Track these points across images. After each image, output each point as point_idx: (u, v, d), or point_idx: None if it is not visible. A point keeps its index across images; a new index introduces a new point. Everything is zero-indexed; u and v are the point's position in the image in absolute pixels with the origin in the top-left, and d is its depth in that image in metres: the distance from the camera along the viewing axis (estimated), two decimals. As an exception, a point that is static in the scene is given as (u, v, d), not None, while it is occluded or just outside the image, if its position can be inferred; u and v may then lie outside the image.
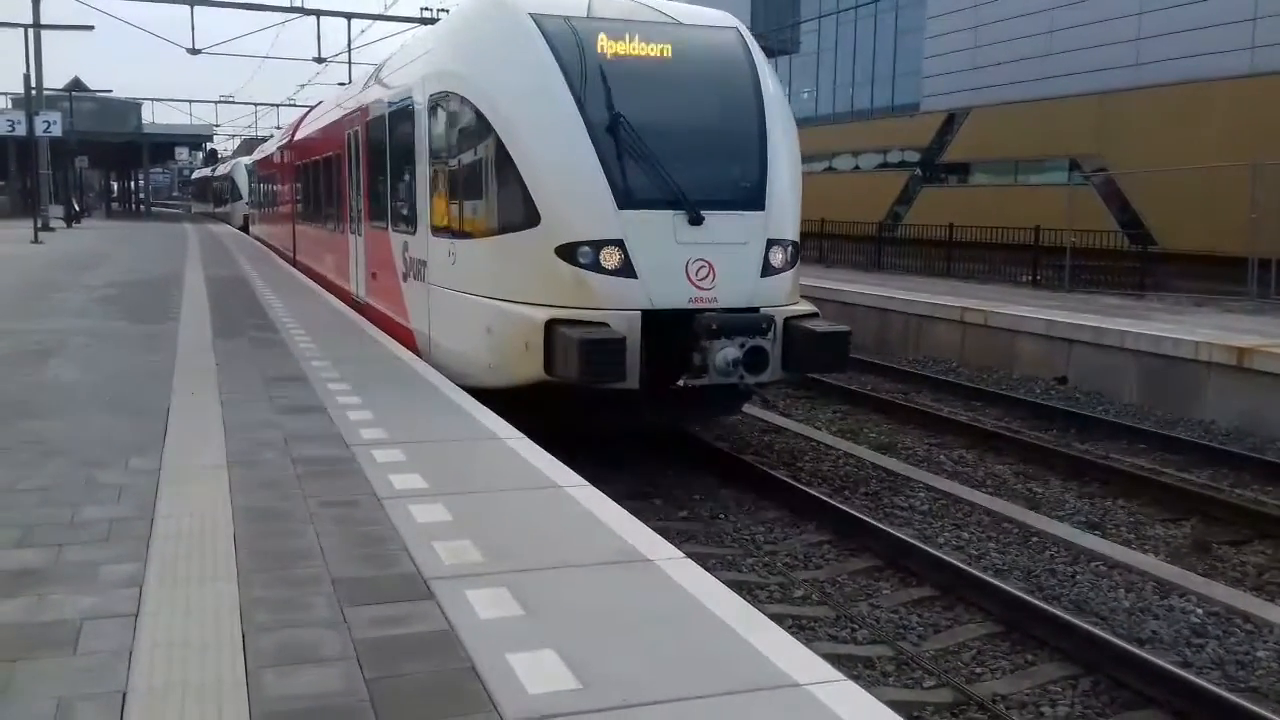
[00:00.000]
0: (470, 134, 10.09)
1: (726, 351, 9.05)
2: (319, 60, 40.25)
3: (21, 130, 37.05)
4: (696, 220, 9.31)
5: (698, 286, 9.31)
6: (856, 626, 7.22)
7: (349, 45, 39.74)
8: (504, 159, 9.50)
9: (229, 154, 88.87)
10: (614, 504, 5.60)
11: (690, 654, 3.78)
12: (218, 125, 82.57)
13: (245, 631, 3.93)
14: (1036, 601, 7.21)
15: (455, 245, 10.36)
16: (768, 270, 9.68)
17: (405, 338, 11.84)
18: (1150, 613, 7.46)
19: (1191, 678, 6.10)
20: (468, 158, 10.21)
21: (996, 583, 7.51)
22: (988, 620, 7.25)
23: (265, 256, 26.45)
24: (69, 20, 43.10)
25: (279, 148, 27.82)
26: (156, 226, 48.46)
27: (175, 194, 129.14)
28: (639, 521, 5.31)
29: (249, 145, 64.33)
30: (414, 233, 11.50)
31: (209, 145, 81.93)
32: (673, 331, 9.21)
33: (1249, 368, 13.13)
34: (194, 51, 36.67)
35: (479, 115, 9.83)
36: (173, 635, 3.90)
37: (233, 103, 75.13)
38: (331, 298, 16.43)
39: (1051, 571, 8.25)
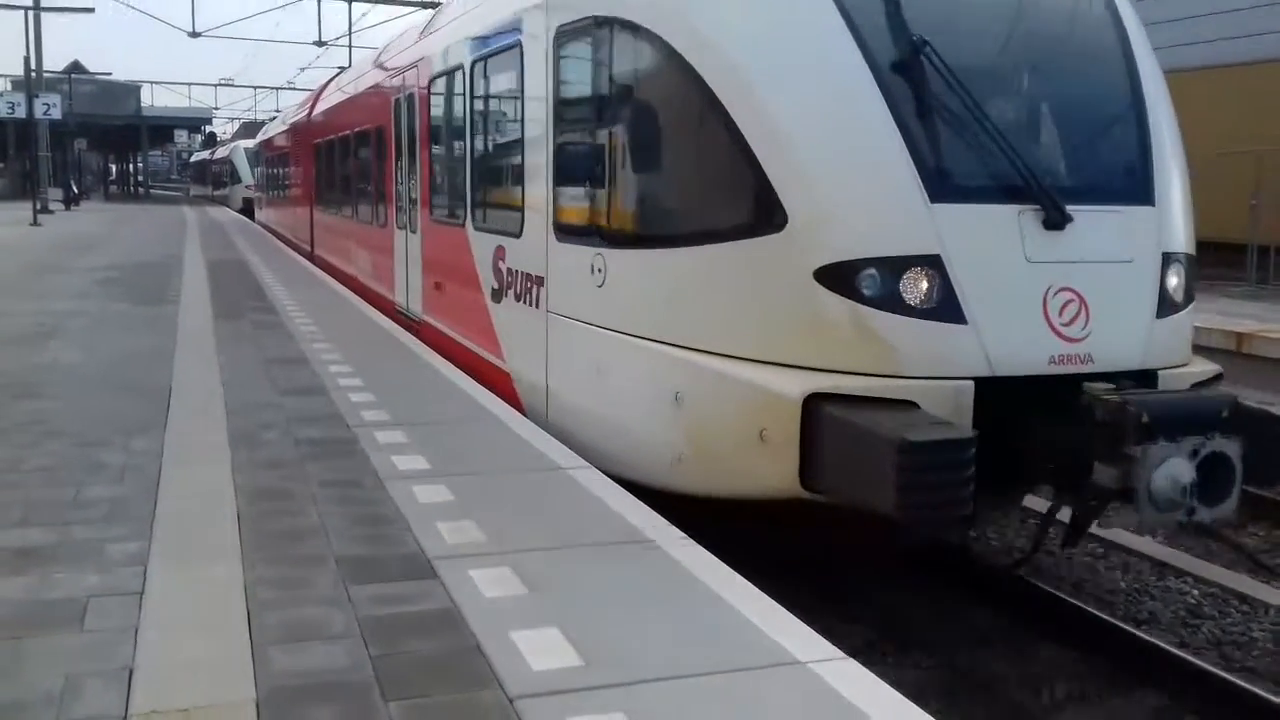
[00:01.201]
0: (646, 82, 6.71)
1: (1172, 467, 5.26)
2: (319, 44, 40.17)
3: (21, 112, 37.03)
4: (1057, 222, 5.80)
5: (1063, 336, 5.75)
6: None
7: (349, 29, 39.64)
8: (714, 119, 6.05)
9: (228, 137, 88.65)
10: (616, 485, 5.62)
11: (693, 632, 3.80)
12: (217, 108, 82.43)
13: (250, 609, 3.95)
14: None
15: (607, 257, 6.84)
16: (1165, 306, 6.13)
17: (493, 378, 8.73)
18: None
19: None
20: (637, 119, 6.77)
21: None
22: None
23: (273, 247, 25.28)
24: (69, 2, 42.98)
25: (293, 123, 24.59)
26: (155, 210, 48.40)
27: (174, 177, 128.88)
28: (642, 503, 5.33)
29: (249, 128, 64.20)
30: (518, 234, 8.19)
31: (208, 128, 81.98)
32: (1017, 414, 5.68)
33: (1248, 353, 13.18)
34: (194, 34, 36.59)
35: (665, 51, 6.38)
36: (178, 613, 3.92)
37: (232, 86, 75.09)
38: (360, 302, 13.83)
39: None
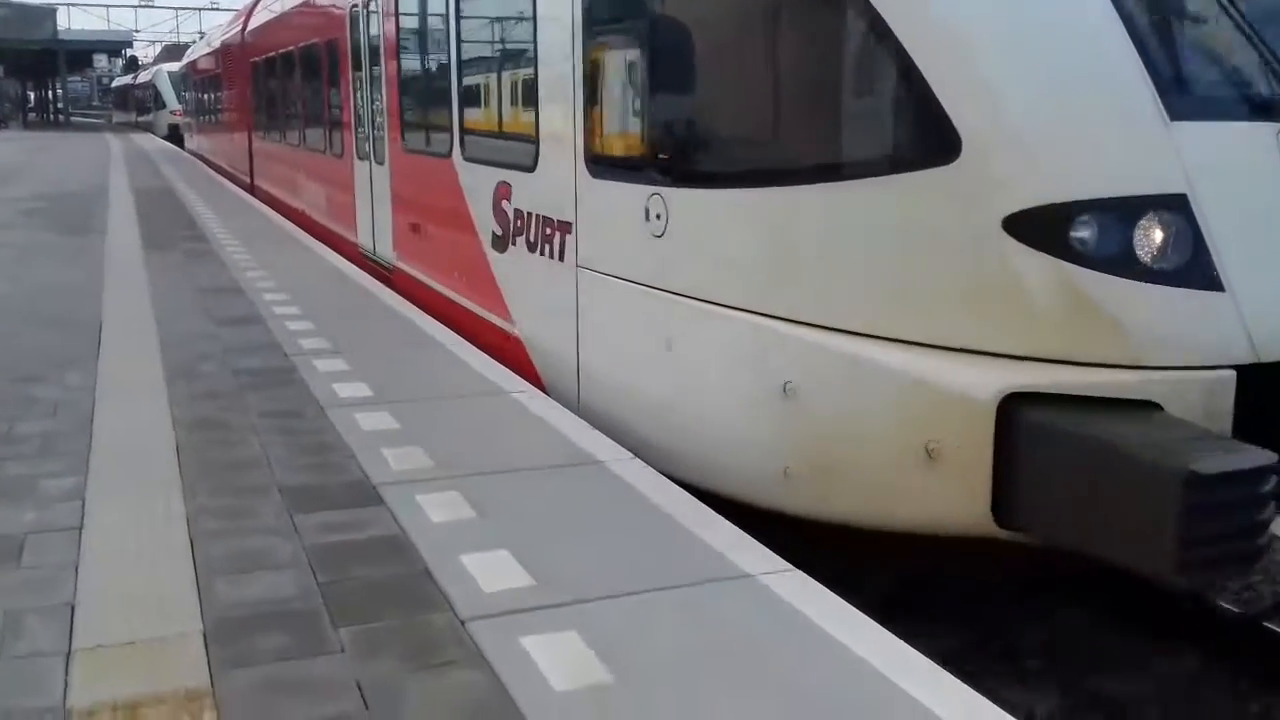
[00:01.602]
0: None
1: None
2: (242, -39, 38.71)
3: (-72, 38, 35.39)
4: None
5: None
6: None
7: (272, -55, 38.27)
8: (847, 2, 4.39)
9: (150, 61, 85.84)
10: (562, 408, 5.60)
11: (643, 550, 3.82)
12: (138, 31, 79.66)
13: (193, 540, 3.89)
14: None
15: (669, 198, 5.17)
16: None
17: (494, 341, 7.22)
18: None
19: None
20: (716, 13, 5.05)
21: None
22: None
23: (204, 175, 24.60)
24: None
25: (225, 40, 22.43)
26: (77, 137, 46.84)
27: (95, 104, 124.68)
28: (587, 425, 5.32)
29: (172, 51, 62.10)
30: (531, 167, 6.56)
31: (128, 52, 79.06)
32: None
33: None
34: (108, -48, 35.06)
35: None
36: (119, 547, 3.85)
37: (153, 7, 72.36)
38: (310, 240, 12.43)
39: None
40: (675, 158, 5.17)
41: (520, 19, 6.72)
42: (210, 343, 7.01)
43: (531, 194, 6.64)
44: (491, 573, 3.61)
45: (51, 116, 77.97)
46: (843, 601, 3.44)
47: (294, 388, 5.96)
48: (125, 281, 9.38)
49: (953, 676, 3.00)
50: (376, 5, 9.93)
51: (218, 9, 62.91)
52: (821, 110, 4.57)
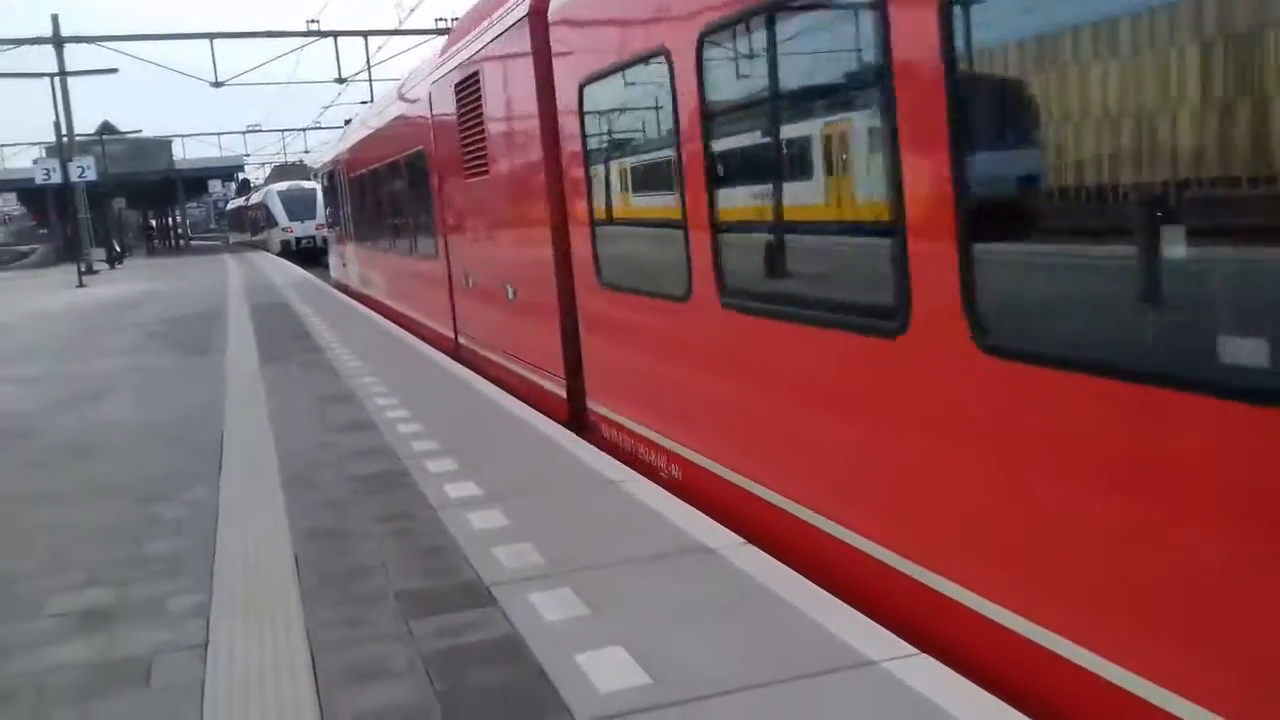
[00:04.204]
0: None
1: None
2: (340, 80, 40.56)
3: (58, 178, 37.76)
4: None
5: None
6: None
7: (368, 63, 40.01)
8: None
9: (261, 182, 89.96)
10: (671, 496, 5.55)
11: (760, 640, 3.72)
12: (247, 155, 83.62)
13: (314, 653, 3.92)
14: None
15: None
16: None
17: None
18: None
19: None
20: None
21: None
22: None
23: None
24: (93, 65, 43.81)
25: (401, 115, 13.99)
26: (197, 260, 49.13)
27: (213, 226, 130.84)
28: (695, 510, 5.25)
29: (282, 171, 64.93)
30: None
31: (240, 175, 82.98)
32: None
33: None
34: (217, 84, 37.12)
35: None
36: (243, 664, 3.90)
37: (260, 131, 75.92)
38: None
39: None
40: None
41: None
42: (325, 451, 7.18)
43: None
44: (607, 671, 3.55)
45: (173, 242, 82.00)
46: (975, 687, 3.29)
47: (406, 490, 6.04)
48: (244, 397, 9.69)
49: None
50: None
51: (320, 127, 65.74)
52: None
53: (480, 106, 9.52)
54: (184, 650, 4.07)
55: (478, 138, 9.76)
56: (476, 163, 9.92)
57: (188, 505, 6.16)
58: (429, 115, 11.90)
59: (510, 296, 9.25)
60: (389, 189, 15.76)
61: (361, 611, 4.29)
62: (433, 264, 12.77)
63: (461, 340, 11.79)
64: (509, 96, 8.66)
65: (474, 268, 10.69)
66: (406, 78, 14.47)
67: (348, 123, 27.90)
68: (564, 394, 8.04)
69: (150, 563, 5.17)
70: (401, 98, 14.10)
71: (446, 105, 10.92)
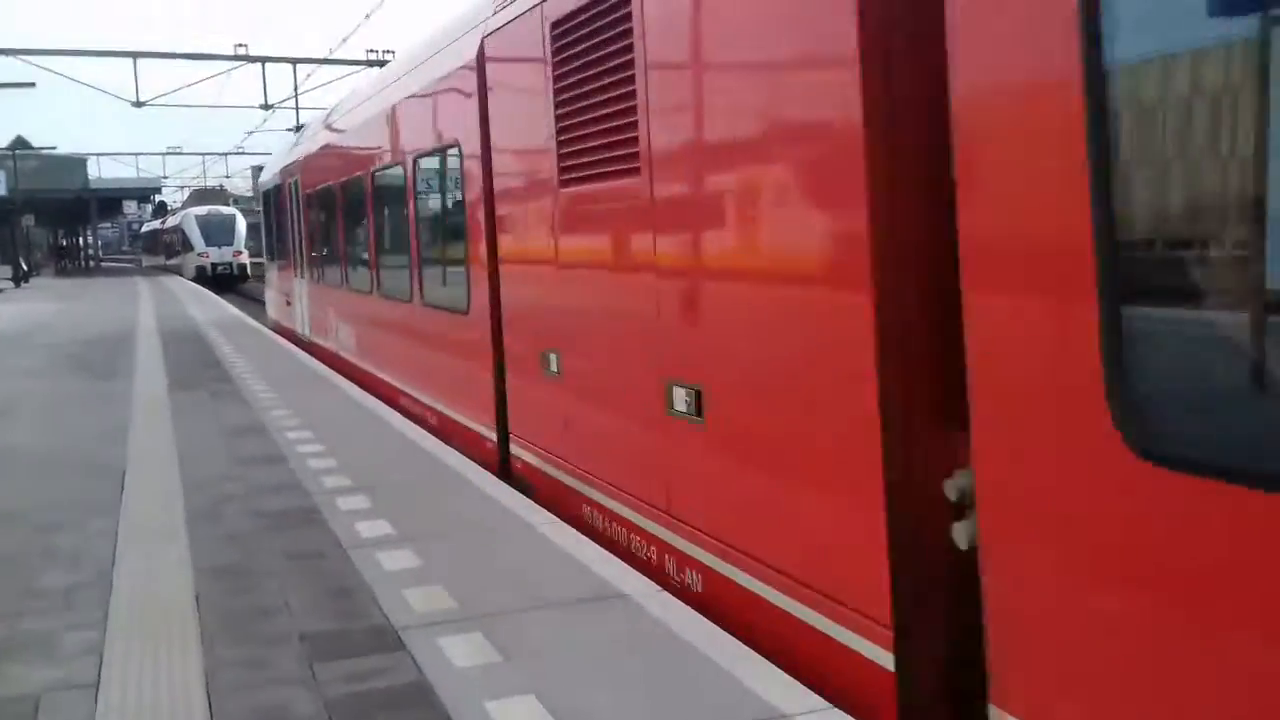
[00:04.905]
0: None
1: None
2: (266, 107, 40.05)
3: (-36, 192, 36.58)
4: None
5: None
6: None
7: (295, 90, 39.60)
8: None
9: (178, 205, 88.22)
10: (586, 539, 5.50)
11: (674, 689, 3.68)
12: (165, 177, 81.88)
13: (210, 696, 3.78)
14: None
15: None
16: None
17: None
18: None
19: None
20: None
21: None
22: None
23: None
24: (10, 79, 42.78)
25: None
26: (107, 282, 47.85)
27: (125, 248, 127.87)
28: (613, 556, 5.21)
29: (200, 195, 63.78)
30: None
31: (157, 198, 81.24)
32: None
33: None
34: (138, 104, 36.40)
35: None
36: (135, 705, 3.74)
37: (180, 154, 74.60)
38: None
39: None
40: None
41: None
42: (234, 484, 6.99)
43: None
44: (517, 721, 3.48)
45: (83, 263, 79.84)
46: (885, 740, 3.28)
47: (316, 529, 5.89)
48: (150, 424, 9.41)
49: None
50: None
51: (243, 152, 64.74)
52: None
53: (631, 52, 5.10)
54: (74, 689, 3.90)
55: (615, 109, 5.31)
56: (610, 157, 5.42)
57: (86, 536, 5.93)
58: (475, 89, 7.51)
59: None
60: (379, 207, 11.08)
61: (264, 653, 4.16)
62: (460, 323, 8.24)
63: (525, 455, 7.10)
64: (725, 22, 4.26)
65: (570, 338, 6.18)
66: (422, 40, 9.95)
67: (300, 128, 22.63)
68: None
69: (44, 596, 4.96)
70: (412, 73, 9.55)
71: (524, 72, 6.50)
